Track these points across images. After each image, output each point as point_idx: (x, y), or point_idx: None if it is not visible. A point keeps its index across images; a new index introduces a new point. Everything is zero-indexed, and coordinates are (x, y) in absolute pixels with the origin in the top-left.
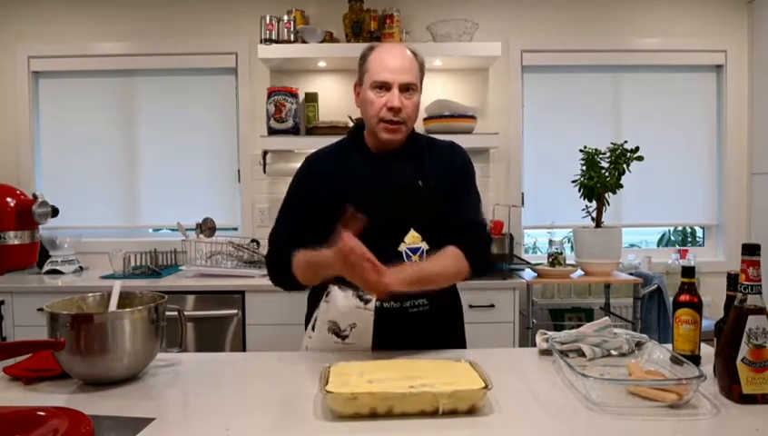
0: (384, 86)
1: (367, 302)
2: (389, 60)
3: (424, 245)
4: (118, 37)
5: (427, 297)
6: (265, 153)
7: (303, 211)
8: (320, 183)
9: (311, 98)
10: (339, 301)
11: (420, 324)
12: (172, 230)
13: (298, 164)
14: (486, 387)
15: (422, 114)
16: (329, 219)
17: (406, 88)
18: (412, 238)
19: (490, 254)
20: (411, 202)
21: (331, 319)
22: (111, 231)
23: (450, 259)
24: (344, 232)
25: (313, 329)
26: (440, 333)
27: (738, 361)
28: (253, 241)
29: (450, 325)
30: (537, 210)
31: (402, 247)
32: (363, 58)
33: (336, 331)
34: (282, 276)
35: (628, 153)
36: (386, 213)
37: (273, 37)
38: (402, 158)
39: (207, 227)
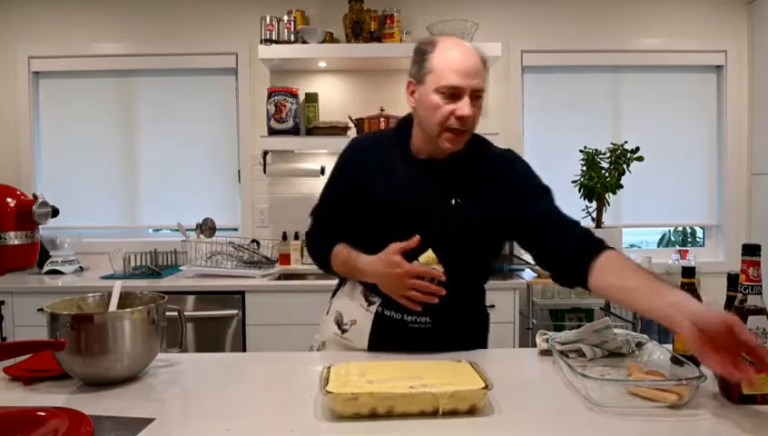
0: (454, 92)
1: (371, 303)
2: (461, 61)
3: (439, 268)
4: (118, 37)
5: (430, 315)
6: (265, 153)
7: (341, 196)
8: (357, 174)
9: (312, 98)
10: (348, 294)
11: (420, 340)
12: (173, 230)
13: (298, 165)
14: (486, 387)
15: None
16: (358, 213)
17: (477, 95)
18: (427, 258)
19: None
20: (437, 220)
21: (339, 309)
22: (111, 231)
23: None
24: (394, 247)
25: (327, 313)
26: (442, 351)
27: None
28: (253, 241)
29: (459, 344)
30: None
31: (415, 263)
32: (423, 53)
33: (339, 322)
34: (319, 260)
35: (628, 154)
36: (407, 225)
37: (273, 38)
38: (443, 169)
39: (207, 227)
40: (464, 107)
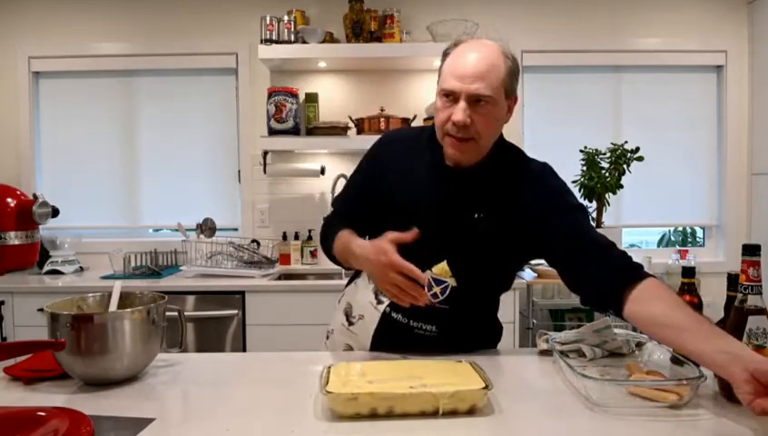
0: (451, 95)
1: (380, 302)
2: (462, 64)
3: (451, 281)
4: (118, 37)
5: (437, 324)
6: (265, 153)
7: (361, 191)
8: (381, 172)
9: (312, 98)
10: (360, 288)
11: (425, 347)
12: (173, 230)
13: (298, 165)
14: (486, 387)
15: (423, 115)
16: (375, 211)
17: (476, 100)
18: (441, 269)
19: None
20: (456, 233)
21: (349, 301)
22: (111, 231)
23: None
24: (389, 236)
25: (339, 302)
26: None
27: None
28: (253, 241)
29: (464, 354)
30: None
31: (427, 273)
32: (445, 56)
33: (348, 313)
34: (325, 246)
35: (628, 154)
36: (425, 234)
37: (274, 37)
38: (471, 178)
39: (207, 227)
40: (457, 112)
